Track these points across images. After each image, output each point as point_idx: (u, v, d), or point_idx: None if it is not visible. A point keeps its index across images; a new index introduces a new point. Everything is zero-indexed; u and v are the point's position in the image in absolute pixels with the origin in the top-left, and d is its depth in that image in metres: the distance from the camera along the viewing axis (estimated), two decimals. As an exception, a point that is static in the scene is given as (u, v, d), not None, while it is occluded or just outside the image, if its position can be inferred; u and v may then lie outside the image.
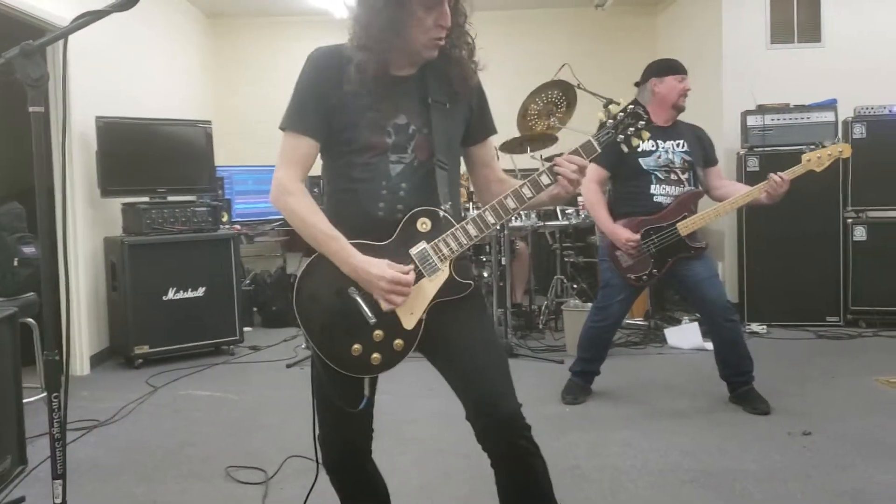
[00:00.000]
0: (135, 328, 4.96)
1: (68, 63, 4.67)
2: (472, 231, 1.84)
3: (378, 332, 1.80)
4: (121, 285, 4.98)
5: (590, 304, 5.22)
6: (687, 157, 3.85)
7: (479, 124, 2.03)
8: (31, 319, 4.05)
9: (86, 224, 5.06)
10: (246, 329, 5.75)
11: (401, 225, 1.83)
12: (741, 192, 3.72)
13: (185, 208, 5.27)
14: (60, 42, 1.71)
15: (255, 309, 6.59)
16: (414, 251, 1.82)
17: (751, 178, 5.75)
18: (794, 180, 3.57)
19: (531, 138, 5.78)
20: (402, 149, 1.85)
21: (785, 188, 3.55)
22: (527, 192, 1.86)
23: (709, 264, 3.84)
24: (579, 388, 4.06)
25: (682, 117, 4.02)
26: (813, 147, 3.60)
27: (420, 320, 1.82)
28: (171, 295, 5.11)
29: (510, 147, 5.97)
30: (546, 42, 7.79)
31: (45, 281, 1.71)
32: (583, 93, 5.73)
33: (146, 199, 5.23)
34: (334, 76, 1.81)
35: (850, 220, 5.69)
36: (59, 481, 1.67)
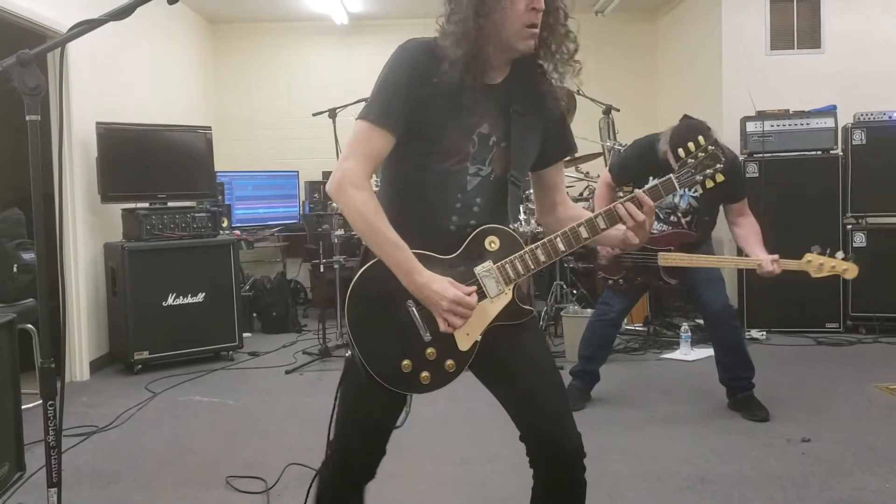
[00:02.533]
0: (134, 334, 4.96)
1: (69, 69, 4.75)
2: (542, 257, 1.75)
3: (431, 350, 1.72)
4: (121, 291, 4.98)
5: (589, 310, 5.24)
6: (694, 203, 3.83)
7: (558, 143, 1.94)
8: (30, 325, 4.06)
9: (86, 230, 5.06)
10: (245, 335, 5.75)
11: (468, 240, 1.75)
12: (736, 256, 3.64)
13: (185, 214, 5.27)
14: (59, 49, 1.71)
15: (254, 315, 6.58)
16: (479, 270, 1.73)
17: (750, 184, 5.75)
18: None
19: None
20: (482, 160, 1.76)
21: (769, 270, 3.46)
22: (601, 223, 1.77)
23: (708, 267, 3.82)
24: (579, 392, 4.06)
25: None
26: (821, 251, 3.40)
27: (475, 342, 1.74)
28: (170, 300, 5.10)
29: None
30: (546, 48, 7.79)
31: (41, 289, 1.71)
32: (583, 99, 5.74)
33: (146, 204, 5.24)
34: (427, 70, 1.69)
35: (849, 227, 5.69)
36: (54, 490, 1.67)
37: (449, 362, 1.73)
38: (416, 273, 1.67)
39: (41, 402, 1.70)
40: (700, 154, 1.82)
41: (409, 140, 1.72)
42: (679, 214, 3.84)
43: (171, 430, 3.86)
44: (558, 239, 1.76)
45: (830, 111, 5.75)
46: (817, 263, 3.36)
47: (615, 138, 6.05)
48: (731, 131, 6.08)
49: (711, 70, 6.54)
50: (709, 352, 4.87)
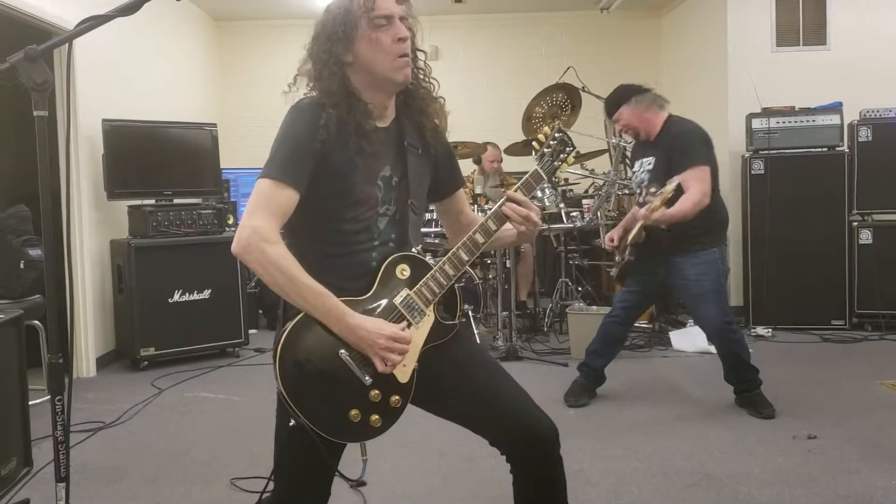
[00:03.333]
0: (140, 330, 4.98)
1: (75, 66, 4.76)
2: (451, 271, 1.80)
3: (374, 392, 1.69)
4: (127, 287, 5.00)
5: (594, 307, 5.26)
6: (649, 174, 3.85)
7: (450, 178, 2.03)
8: (37, 322, 4.08)
9: (92, 226, 5.07)
10: (251, 331, 5.76)
11: (380, 275, 1.77)
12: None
13: (191, 211, 5.28)
14: (66, 46, 1.72)
15: (260, 311, 6.60)
16: (398, 300, 1.75)
17: (756, 182, 5.77)
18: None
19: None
20: (388, 201, 1.82)
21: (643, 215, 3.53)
22: (492, 225, 1.83)
23: (701, 281, 3.72)
24: (583, 388, 4.06)
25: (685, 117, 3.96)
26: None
27: (413, 371, 1.75)
28: (176, 297, 5.12)
29: (515, 150, 5.98)
30: (551, 45, 7.81)
31: (48, 284, 1.72)
32: (587, 96, 5.74)
33: (152, 201, 5.25)
34: (323, 128, 1.72)
35: (855, 224, 5.67)
36: (63, 484, 1.67)
37: (394, 398, 1.73)
38: (347, 316, 1.66)
39: (47, 398, 1.71)
40: (552, 142, 1.93)
41: (319, 197, 1.74)
42: (647, 188, 3.81)
43: (176, 427, 3.87)
44: (460, 250, 1.81)
45: (836, 108, 5.74)
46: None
47: (620, 135, 6.03)
48: (736, 128, 6.08)
49: (717, 67, 6.52)
50: (706, 345, 4.89)
